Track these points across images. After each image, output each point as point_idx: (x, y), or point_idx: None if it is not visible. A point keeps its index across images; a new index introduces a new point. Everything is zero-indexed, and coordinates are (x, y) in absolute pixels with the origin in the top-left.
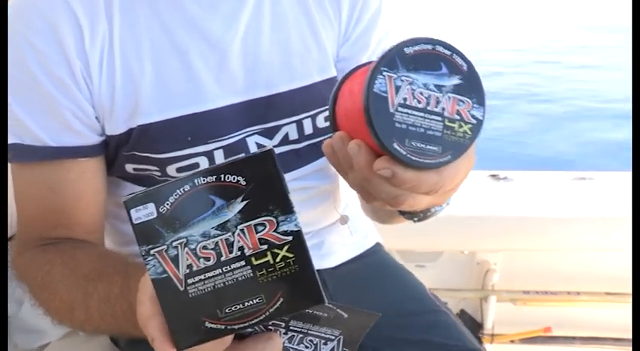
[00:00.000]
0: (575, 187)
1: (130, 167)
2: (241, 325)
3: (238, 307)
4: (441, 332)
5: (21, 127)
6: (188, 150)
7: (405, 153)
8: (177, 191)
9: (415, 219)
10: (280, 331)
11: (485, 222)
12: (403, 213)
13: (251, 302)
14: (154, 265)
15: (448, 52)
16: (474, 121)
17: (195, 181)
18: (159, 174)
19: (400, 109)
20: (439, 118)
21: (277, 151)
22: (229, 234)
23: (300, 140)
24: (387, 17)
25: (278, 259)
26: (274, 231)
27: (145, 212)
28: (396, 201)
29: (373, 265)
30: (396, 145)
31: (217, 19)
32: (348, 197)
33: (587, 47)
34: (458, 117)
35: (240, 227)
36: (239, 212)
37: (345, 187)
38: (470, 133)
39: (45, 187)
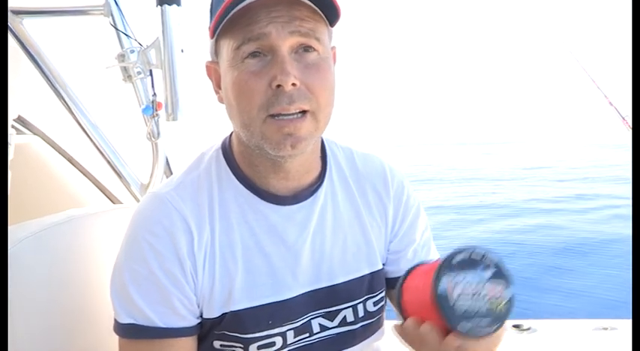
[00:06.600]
0: (598, 337)
1: (217, 344)
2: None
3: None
4: None
5: (136, 311)
6: (267, 331)
7: (467, 330)
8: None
9: None
10: None
11: None
12: None
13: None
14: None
15: (481, 255)
16: (507, 299)
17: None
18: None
19: (458, 302)
20: (484, 301)
21: (336, 331)
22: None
23: (355, 322)
24: (424, 214)
25: (502, 305)
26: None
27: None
28: None
29: None
30: (460, 327)
31: (293, 226)
32: None
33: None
34: (496, 298)
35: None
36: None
37: None
38: (506, 308)
39: None
